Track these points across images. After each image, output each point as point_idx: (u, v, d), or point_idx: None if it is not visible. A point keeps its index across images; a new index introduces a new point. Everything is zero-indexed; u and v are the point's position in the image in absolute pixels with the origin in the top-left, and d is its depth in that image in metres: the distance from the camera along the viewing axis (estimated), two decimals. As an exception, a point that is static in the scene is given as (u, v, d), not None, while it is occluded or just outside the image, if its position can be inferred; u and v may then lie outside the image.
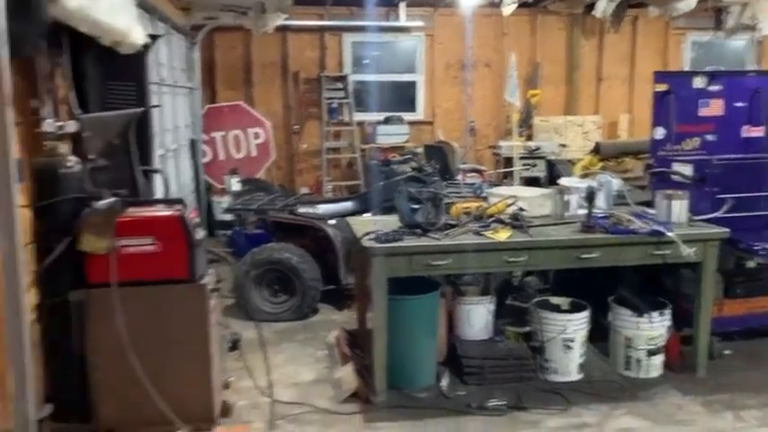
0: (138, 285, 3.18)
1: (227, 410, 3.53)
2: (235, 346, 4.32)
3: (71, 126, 3.33)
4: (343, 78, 9.41)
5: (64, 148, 3.33)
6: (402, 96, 9.89)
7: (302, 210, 5.70)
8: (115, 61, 3.64)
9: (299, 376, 4.10)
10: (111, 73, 3.73)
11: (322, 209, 5.78)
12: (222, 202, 7.82)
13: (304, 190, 9.29)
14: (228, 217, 6.94)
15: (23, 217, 2.93)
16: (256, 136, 8.88)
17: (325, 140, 9.43)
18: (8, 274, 2.79)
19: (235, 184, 7.73)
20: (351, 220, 4.48)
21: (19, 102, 2.86)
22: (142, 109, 3.79)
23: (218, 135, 8.71)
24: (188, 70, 7.97)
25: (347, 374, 3.92)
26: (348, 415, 3.60)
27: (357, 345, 4.37)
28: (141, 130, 3.88)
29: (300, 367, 4.24)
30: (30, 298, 3.03)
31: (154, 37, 4.09)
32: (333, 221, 5.54)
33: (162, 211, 3.34)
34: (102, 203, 3.23)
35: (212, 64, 9.11)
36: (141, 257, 3.17)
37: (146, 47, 3.79)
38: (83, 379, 3.25)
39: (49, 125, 3.20)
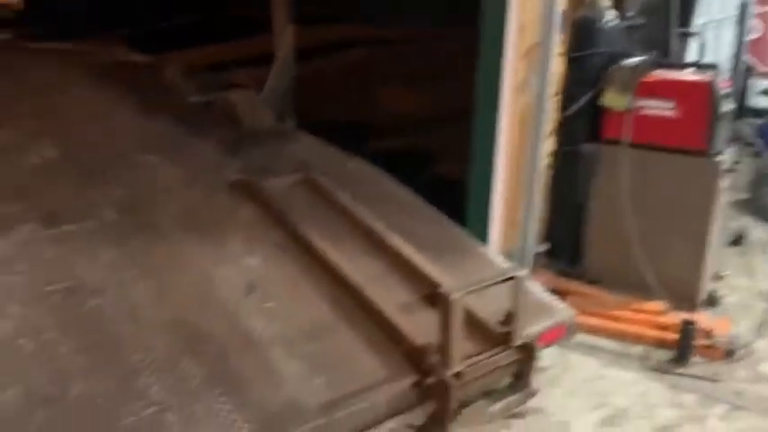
0: (650, 149, 3.12)
1: (713, 300, 3.30)
2: (737, 241, 3.93)
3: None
4: None
5: (606, 2, 3.36)
6: None
7: None
8: None
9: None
10: None
11: None
12: (763, 86, 6.83)
13: None
14: (765, 104, 6.05)
15: (556, 66, 3.15)
16: (828, 11, 7.24)
17: None
18: (536, 117, 3.11)
19: (783, 66, 6.60)
20: None
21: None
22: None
23: (775, 8, 7.44)
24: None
25: None
26: None
27: None
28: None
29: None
30: (548, 144, 3.32)
31: None
32: None
33: (690, 76, 3.11)
34: (630, 61, 3.20)
35: None
36: (659, 121, 3.07)
37: None
38: (579, 226, 3.47)
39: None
